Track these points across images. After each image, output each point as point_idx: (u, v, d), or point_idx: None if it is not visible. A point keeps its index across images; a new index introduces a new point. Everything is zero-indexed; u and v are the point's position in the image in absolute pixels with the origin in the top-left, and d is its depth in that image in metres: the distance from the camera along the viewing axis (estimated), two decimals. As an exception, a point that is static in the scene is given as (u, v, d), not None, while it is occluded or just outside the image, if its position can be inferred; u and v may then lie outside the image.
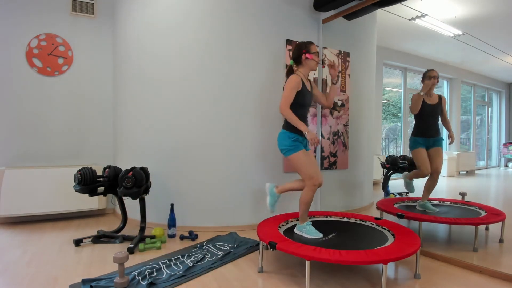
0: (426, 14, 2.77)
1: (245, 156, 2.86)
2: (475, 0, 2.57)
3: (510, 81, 2.67)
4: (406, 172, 2.90)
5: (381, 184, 3.37)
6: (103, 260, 2.11)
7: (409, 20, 2.89)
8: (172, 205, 2.65)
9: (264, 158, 2.93)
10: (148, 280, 1.74)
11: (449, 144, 2.65)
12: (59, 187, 3.05)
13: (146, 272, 1.85)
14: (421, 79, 2.63)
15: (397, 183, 3.40)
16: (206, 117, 2.79)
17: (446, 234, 2.64)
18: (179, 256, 2.15)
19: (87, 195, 2.47)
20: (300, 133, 2.18)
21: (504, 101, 2.73)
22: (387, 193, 3.30)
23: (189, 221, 2.81)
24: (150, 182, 2.54)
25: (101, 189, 2.51)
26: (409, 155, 3.30)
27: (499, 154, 2.70)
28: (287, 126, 2.21)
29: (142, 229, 2.47)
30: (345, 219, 2.50)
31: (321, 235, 2.10)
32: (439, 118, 2.66)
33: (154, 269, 1.91)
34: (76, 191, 2.42)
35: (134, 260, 2.12)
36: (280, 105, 2.16)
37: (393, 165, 3.22)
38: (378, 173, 3.57)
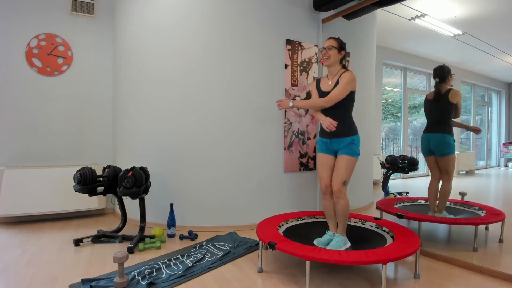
0: (425, 14, 2.77)
1: (245, 156, 2.86)
2: (475, 0, 2.57)
3: (510, 81, 2.67)
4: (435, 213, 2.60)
5: (381, 184, 3.37)
6: (102, 260, 2.11)
7: (409, 20, 2.89)
8: (171, 205, 2.65)
9: (264, 158, 2.93)
10: (147, 280, 1.74)
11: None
12: (59, 187, 3.05)
13: (146, 272, 1.85)
14: (446, 75, 2.49)
15: (396, 183, 3.39)
16: (206, 117, 2.79)
17: (446, 234, 2.64)
18: (179, 256, 2.15)
19: (87, 195, 2.48)
20: (322, 134, 2.19)
21: (504, 101, 2.73)
22: (386, 193, 3.30)
23: (189, 221, 2.81)
24: (150, 182, 2.54)
25: (100, 189, 2.51)
26: (409, 154, 3.30)
27: (498, 154, 2.70)
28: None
29: (142, 229, 2.47)
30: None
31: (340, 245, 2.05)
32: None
33: (154, 269, 1.91)
34: (76, 191, 2.42)
35: (134, 260, 2.12)
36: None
37: (392, 165, 3.22)
38: (378, 173, 3.57)
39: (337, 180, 2.04)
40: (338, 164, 2.06)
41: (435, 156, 2.58)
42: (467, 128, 2.63)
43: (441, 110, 2.52)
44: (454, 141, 2.50)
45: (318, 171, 2.22)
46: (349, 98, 2.08)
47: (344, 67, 2.17)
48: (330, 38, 2.15)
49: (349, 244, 2.06)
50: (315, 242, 2.10)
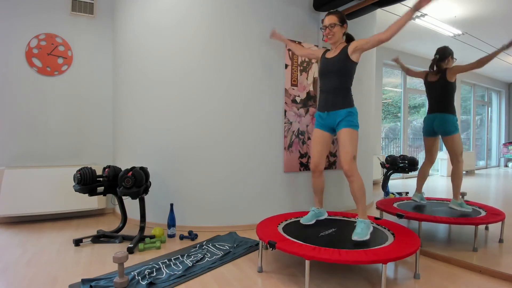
0: (425, 14, 2.77)
1: (245, 156, 2.86)
2: (475, 0, 2.57)
3: (510, 81, 2.67)
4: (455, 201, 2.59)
5: (381, 184, 3.37)
6: (102, 260, 2.11)
7: (409, 20, 2.88)
8: (171, 204, 2.65)
9: (264, 158, 2.93)
10: (147, 280, 1.74)
11: None
12: (59, 187, 3.05)
13: (146, 272, 1.85)
14: (446, 55, 2.51)
15: (396, 183, 3.40)
16: (206, 117, 2.79)
17: (446, 234, 2.64)
18: (179, 256, 2.15)
19: (87, 195, 2.47)
20: (319, 107, 2.16)
21: (504, 101, 2.73)
22: (386, 193, 3.31)
23: (189, 221, 2.81)
24: (150, 182, 2.54)
25: (100, 189, 2.51)
26: (409, 154, 3.30)
27: (498, 154, 2.70)
28: None
29: (142, 229, 2.47)
30: (345, 219, 2.50)
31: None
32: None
33: (154, 269, 1.91)
34: (76, 191, 2.42)
35: (134, 260, 2.12)
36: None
37: (392, 165, 3.22)
38: (378, 173, 3.57)
39: (345, 157, 1.94)
40: (341, 139, 1.99)
41: (435, 137, 2.60)
42: (498, 52, 2.53)
43: (441, 90, 2.54)
44: (457, 120, 2.51)
45: (311, 147, 2.20)
46: (352, 69, 2.07)
47: (349, 37, 2.18)
48: (329, 13, 2.11)
49: (372, 228, 1.94)
50: (301, 220, 2.11)
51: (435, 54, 2.57)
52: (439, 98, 2.57)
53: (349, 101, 2.06)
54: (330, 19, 2.09)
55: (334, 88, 2.07)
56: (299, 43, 3.05)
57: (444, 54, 2.53)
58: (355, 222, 2.01)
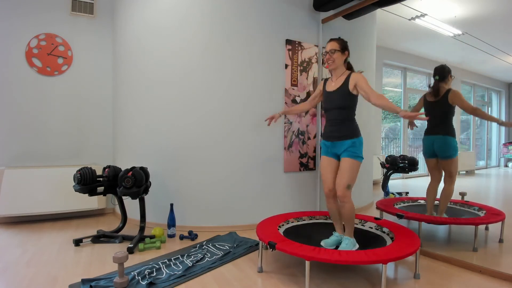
0: (425, 14, 2.77)
1: (245, 156, 2.86)
2: (475, 0, 2.58)
3: (510, 81, 2.67)
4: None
5: (381, 184, 3.37)
6: (102, 260, 2.11)
7: (409, 20, 2.89)
8: (171, 204, 2.65)
9: (264, 158, 2.93)
10: (147, 280, 1.74)
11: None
12: (59, 187, 3.05)
13: (146, 272, 1.85)
14: (446, 75, 2.49)
15: (396, 183, 3.40)
16: (206, 117, 2.79)
17: (446, 234, 2.64)
18: (179, 256, 2.15)
19: (87, 195, 2.48)
20: (324, 136, 2.18)
21: (504, 101, 2.73)
22: (386, 193, 3.30)
23: (189, 221, 2.81)
24: (150, 182, 2.54)
25: (100, 189, 2.51)
26: (409, 154, 3.30)
27: (498, 154, 2.70)
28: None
29: (142, 229, 2.47)
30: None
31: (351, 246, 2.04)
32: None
33: (154, 269, 1.91)
34: (76, 191, 2.42)
35: (134, 260, 2.12)
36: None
37: (392, 165, 3.22)
38: (378, 173, 3.57)
39: (340, 184, 2.00)
40: (341, 168, 2.04)
41: (437, 159, 2.58)
42: (501, 123, 2.56)
43: (442, 111, 2.50)
44: (456, 142, 2.50)
45: (321, 174, 2.20)
46: (354, 102, 2.07)
47: (349, 66, 2.16)
48: (331, 40, 2.11)
49: (357, 246, 2.02)
50: (322, 243, 2.09)
51: (434, 76, 2.55)
52: (439, 119, 2.53)
53: (353, 132, 2.06)
54: (331, 45, 2.10)
55: (337, 120, 2.09)
56: (299, 43, 3.05)
57: (443, 73, 2.50)
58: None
